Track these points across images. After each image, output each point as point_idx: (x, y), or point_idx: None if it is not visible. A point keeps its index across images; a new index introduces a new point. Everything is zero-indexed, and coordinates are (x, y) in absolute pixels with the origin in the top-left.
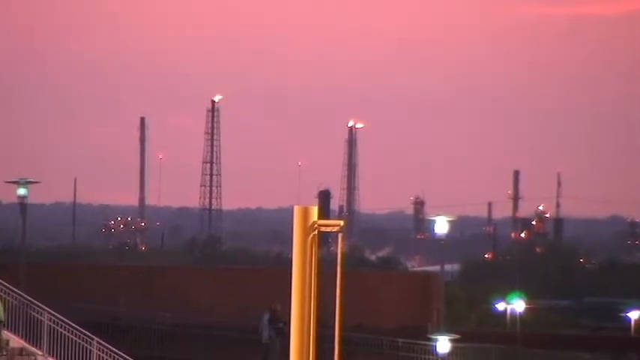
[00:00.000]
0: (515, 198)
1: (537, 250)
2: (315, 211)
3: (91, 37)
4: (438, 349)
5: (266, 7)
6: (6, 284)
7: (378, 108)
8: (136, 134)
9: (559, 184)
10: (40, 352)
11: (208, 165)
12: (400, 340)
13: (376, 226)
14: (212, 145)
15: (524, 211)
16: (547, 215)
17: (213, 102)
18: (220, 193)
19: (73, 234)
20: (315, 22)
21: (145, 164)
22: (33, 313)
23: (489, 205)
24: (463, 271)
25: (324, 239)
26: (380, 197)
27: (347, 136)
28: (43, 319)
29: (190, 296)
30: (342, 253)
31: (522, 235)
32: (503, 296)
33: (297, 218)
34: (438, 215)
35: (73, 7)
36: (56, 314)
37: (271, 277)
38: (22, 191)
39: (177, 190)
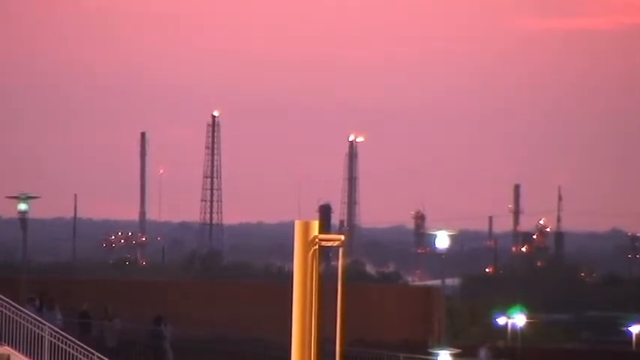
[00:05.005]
0: (516, 212)
1: (538, 264)
2: (315, 225)
3: (91, 50)
4: None
5: (266, 20)
6: (7, 299)
7: (378, 121)
8: (137, 149)
9: (560, 198)
10: None
11: (209, 179)
12: (401, 355)
13: (377, 241)
14: (212, 160)
15: (524, 225)
16: (548, 229)
17: (213, 116)
18: (221, 207)
19: (73, 249)
20: (316, 36)
21: (145, 179)
22: (34, 329)
23: (490, 219)
24: (464, 285)
25: (325, 254)
26: (380, 211)
27: (347, 150)
28: (43, 334)
29: (191, 311)
30: (343, 268)
31: (523, 249)
32: (504, 310)
33: (298, 233)
34: (439, 229)
35: (71, 19)
36: (57, 329)
37: (272, 291)
38: (22, 206)
39: (177, 204)
